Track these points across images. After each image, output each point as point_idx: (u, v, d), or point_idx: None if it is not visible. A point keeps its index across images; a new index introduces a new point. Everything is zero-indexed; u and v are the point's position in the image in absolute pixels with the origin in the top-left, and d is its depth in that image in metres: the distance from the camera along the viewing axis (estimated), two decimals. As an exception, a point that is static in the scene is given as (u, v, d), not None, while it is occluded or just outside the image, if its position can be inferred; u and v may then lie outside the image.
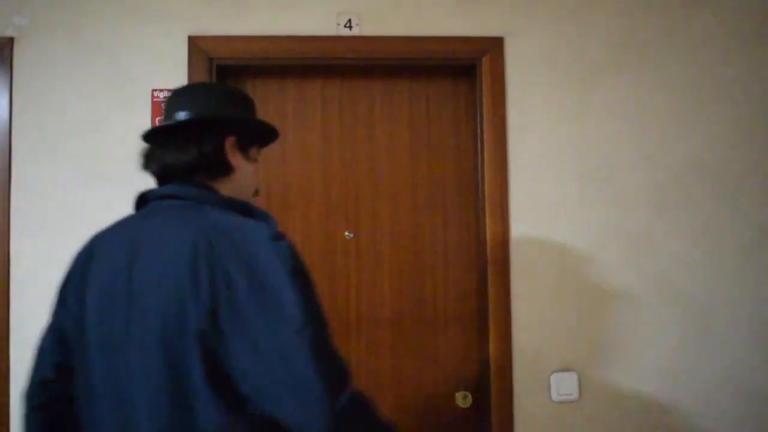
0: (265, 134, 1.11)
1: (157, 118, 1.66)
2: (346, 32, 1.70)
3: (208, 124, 0.99)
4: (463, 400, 1.72)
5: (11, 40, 1.63)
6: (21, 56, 1.63)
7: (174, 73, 1.66)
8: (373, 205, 1.76)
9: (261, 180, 1.75)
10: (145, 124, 1.65)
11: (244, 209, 0.97)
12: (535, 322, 1.68)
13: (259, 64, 1.70)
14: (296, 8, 1.70)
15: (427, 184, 1.77)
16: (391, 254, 1.76)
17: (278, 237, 0.87)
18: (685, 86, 1.75)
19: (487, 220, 1.68)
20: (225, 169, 1.00)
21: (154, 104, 1.66)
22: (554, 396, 1.66)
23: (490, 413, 1.65)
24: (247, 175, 1.05)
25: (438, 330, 1.75)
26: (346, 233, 1.74)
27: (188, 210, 0.92)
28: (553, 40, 1.73)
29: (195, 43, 1.66)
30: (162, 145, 0.99)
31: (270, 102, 1.77)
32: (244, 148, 1.04)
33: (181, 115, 0.99)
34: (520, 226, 1.69)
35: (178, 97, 1.02)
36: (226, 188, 1.00)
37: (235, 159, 1.01)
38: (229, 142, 1.00)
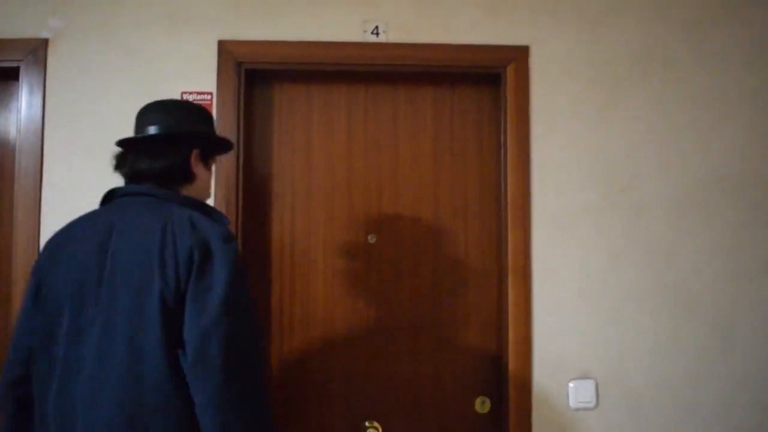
0: (222, 146, 1.30)
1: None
2: (372, 39, 1.72)
3: (177, 138, 1.17)
4: (481, 405, 1.73)
5: (46, 41, 1.66)
6: (55, 58, 1.67)
7: (203, 76, 1.69)
8: (395, 211, 1.78)
9: (286, 183, 1.78)
10: (175, 126, 1.68)
11: (204, 208, 1.16)
12: (555, 329, 1.69)
13: (286, 68, 1.73)
14: (324, 15, 1.72)
15: (449, 190, 1.79)
16: (413, 259, 1.77)
17: (228, 239, 1.06)
18: (707, 98, 1.76)
19: (509, 227, 1.70)
20: (189, 177, 1.19)
21: (183, 107, 1.68)
22: (572, 403, 1.67)
23: (508, 419, 1.67)
24: (206, 181, 1.25)
25: (458, 335, 1.76)
26: (369, 237, 1.76)
27: (157, 205, 1.10)
28: (578, 50, 1.74)
29: (225, 48, 1.69)
30: (135, 152, 1.16)
31: (296, 106, 1.79)
32: (205, 158, 1.23)
33: (152, 129, 1.15)
34: (541, 234, 1.70)
35: (149, 112, 1.18)
36: (187, 191, 1.19)
37: (198, 168, 1.20)
38: (194, 155, 1.19)
